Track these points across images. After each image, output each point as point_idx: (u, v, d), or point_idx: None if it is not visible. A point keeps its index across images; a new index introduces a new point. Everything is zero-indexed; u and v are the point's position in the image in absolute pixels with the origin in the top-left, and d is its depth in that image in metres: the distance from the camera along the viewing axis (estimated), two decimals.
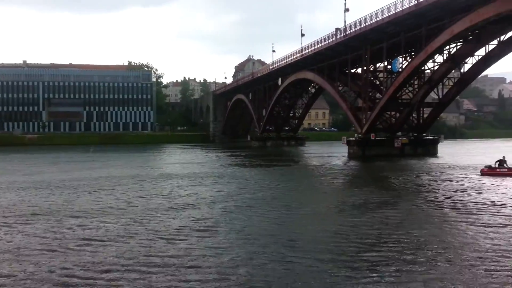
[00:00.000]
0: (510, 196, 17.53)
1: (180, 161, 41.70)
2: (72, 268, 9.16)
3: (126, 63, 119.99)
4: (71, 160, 44.39)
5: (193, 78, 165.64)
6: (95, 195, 19.29)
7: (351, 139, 47.81)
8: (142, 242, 11.21)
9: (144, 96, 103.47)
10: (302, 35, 57.81)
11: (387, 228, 12.63)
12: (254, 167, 34.38)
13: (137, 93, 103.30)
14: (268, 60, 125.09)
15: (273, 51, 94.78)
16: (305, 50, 55.01)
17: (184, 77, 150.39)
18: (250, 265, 9.37)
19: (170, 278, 8.58)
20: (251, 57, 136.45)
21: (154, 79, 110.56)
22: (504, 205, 15.79)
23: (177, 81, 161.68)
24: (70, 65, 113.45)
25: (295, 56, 58.27)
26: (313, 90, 70.83)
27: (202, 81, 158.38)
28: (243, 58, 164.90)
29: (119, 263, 9.51)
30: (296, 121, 77.34)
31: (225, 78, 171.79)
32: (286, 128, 78.03)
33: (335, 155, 48.60)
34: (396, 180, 24.77)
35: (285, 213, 15.05)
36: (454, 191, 19.72)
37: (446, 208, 15.72)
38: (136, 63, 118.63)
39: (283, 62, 62.80)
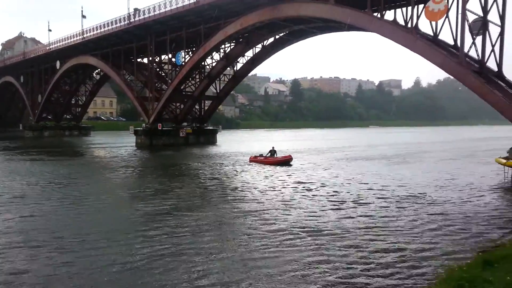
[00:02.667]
0: (259, 181, 20.23)
1: None
2: None
3: None
4: None
5: None
6: None
7: (139, 129, 48.04)
8: None
9: None
10: (83, 16, 54.09)
11: (165, 215, 13.14)
12: (24, 161, 30.25)
13: None
14: (44, 40, 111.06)
15: (49, 30, 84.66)
16: (87, 33, 51.85)
17: None
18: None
19: None
20: (23, 35, 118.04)
21: None
22: (255, 188, 18.35)
23: None
24: None
25: (76, 39, 54.12)
26: (98, 77, 67.45)
27: None
28: (12, 35, 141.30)
29: None
30: (79, 109, 72.04)
31: None
32: (67, 116, 71.76)
33: (122, 145, 47.71)
34: (180, 168, 26.09)
35: (60, 211, 14.02)
36: (225, 176, 22.08)
37: (217, 191, 17.58)
38: None
39: (62, 43, 57.41)
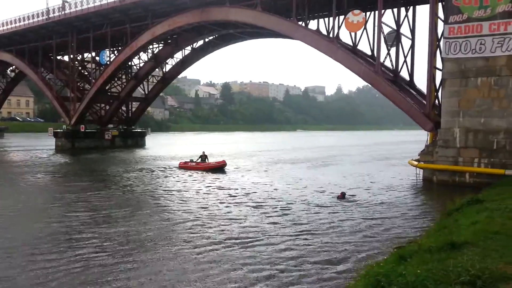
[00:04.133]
0: (185, 189, 18.87)
1: None
2: None
3: None
4: None
5: None
6: None
7: (59, 130, 45.06)
8: None
9: None
10: None
11: (91, 223, 12.68)
12: None
13: None
14: None
15: None
16: (0, 27, 47.67)
17: None
18: None
19: None
20: None
21: None
22: (180, 197, 17.49)
23: None
24: None
25: None
26: (12, 74, 62.35)
27: None
28: None
29: None
30: None
31: None
32: None
33: (40, 148, 44.33)
34: (101, 174, 24.46)
35: None
36: (150, 185, 20.52)
37: (138, 201, 16.44)
38: None
39: None
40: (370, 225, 12.45)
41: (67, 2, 40.13)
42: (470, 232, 7.40)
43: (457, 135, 20.41)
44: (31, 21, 43.42)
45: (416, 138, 39.55)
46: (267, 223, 12.59)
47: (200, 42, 41.89)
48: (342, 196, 16.64)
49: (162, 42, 41.14)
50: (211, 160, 27.84)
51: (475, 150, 19.87)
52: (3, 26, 47.08)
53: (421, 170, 22.09)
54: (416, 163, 22.19)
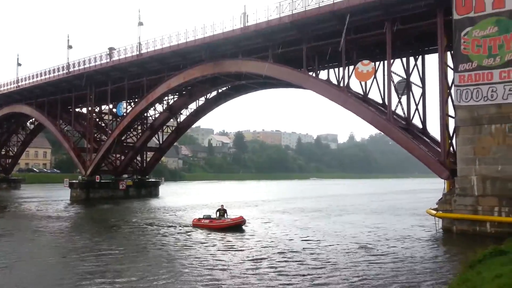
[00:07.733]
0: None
1: None
2: None
3: None
4: None
5: None
6: None
7: (74, 181, 45.45)
8: None
9: None
10: (19, 64, 52.39)
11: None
12: None
13: None
14: None
15: None
16: (22, 82, 49.93)
17: None
18: None
19: None
20: None
21: None
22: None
23: None
24: None
25: (10, 87, 51.88)
26: (31, 126, 64.22)
27: None
28: None
29: None
30: (10, 160, 67.48)
31: None
32: None
33: (56, 199, 44.44)
34: (113, 230, 23.01)
35: None
36: (155, 249, 17.17)
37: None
38: None
39: None
40: (390, 278, 11.91)
41: (114, 49, 40.36)
42: (495, 286, 6.99)
43: (474, 183, 19.90)
44: (51, 75, 45.43)
45: (433, 187, 38.67)
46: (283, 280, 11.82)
47: (214, 93, 42.98)
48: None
49: (177, 93, 42.33)
50: (231, 213, 24.71)
51: (494, 198, 19.27)
52: (25, 80, 49.36)
53: (440, 220, 21.39)
54: (434, 212, 21.54)
